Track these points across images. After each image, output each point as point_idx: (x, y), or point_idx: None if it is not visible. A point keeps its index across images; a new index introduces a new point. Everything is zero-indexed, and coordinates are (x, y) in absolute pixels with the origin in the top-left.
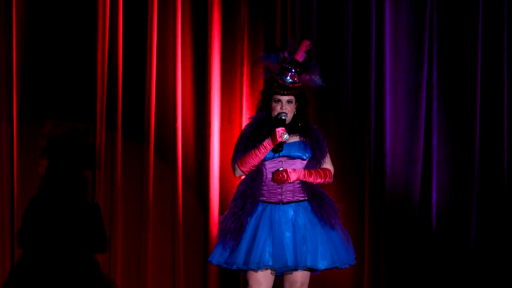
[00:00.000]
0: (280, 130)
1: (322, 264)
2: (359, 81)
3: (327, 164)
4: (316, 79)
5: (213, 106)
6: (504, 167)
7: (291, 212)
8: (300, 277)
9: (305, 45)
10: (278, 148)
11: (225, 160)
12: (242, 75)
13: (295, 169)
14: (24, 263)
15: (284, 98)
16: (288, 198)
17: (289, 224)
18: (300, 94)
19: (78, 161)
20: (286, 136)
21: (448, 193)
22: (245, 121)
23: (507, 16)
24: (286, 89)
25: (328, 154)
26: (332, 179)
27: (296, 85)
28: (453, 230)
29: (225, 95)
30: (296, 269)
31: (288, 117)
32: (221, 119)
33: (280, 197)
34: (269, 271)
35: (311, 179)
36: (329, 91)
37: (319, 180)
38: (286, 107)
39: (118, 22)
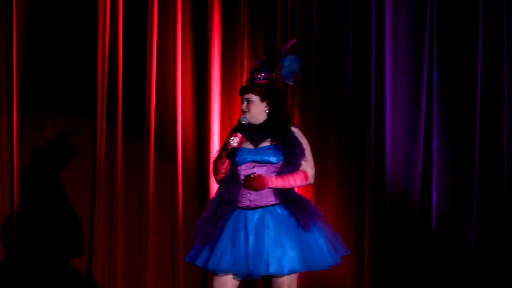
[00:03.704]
0: (233, 136)
1: (288, 269)
2: (359, 84)
3: (305, 166)
4: (283, 73)
5: (213, 108)
6: (504, 170)
7: (256, 218)
8: (286, 280)
9: (290, 43)
10: (230, 154)
11: None
12: (242, 77)
13: (265, 176)
14: (18, 261)
15: (244, 97)
16: (256, 203)
17: (252, 230)
18: (266, 92)
19: (77, 161)
20: (234, 142)
21: (448, 195)
22: None
23: (507, 18)
24: (243, 88)
25: (306, 156)
26: (309, 181)
27: (257, 82)
28: (453, 233)
29: (225, 97)
30: (263, 276)
31: (255, 118)
32: (221, 121)
33: (249, 202)
34: (230, 276)
35: (279, 185)
36: (329, 94)
37: (288, 186)
38: (247, 106)
39: (118, 23)
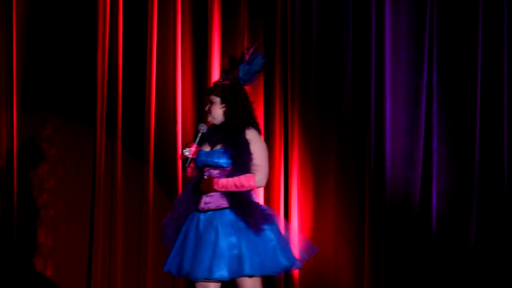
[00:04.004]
0: (188, 146)
1: (222, 275)
2: (359, 84)
3: (255, 169)
4: (241, 75)
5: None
6: (504, 170)
7: (204, 221)
8: (249, 284)
9: (256, 44)
10: (184, 164)
11: None
12: None
13: (211, 179)
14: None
15: (208, 98)
16: (209, 205)
17: (199, 232)
18: (224, 92)
19: (77, 165)
20: (186, 152)
21: (448, 196)
22: None
23: (507, 19)
24: (207, 89)
25: (257, 159)
26: (256, 184)
27: (219, 83)
28: (453, 233)
29: None
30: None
31: (217, 120)
32: None
33: (204, 204)
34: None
35: (224, 188)
36: (328, 94)
37: (235, 189)
38: (209, 108)
39: (118, 23)
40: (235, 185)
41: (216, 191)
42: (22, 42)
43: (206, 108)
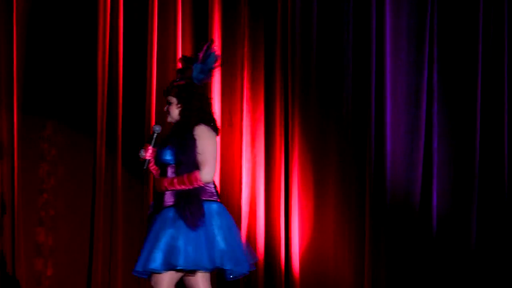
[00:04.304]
0: (144, 148)
1: (163, 266)
2: (359, 84)
3: (201, 165)
4: (194, 74)
5: (214, 109)
6: (505, 170)
7: (159, 217)
8: (200, 277)
9: (207, 44)
10: (143, 166)
11: (226, 164)
12: (242, 78)
13: (162, 178)
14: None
15: (165, 100)
16: (166, 203)
17: (153, 230)
18: (180, 92)
19: (78, 165)
20: (141, 154)
21: (448, 196)
22: (245, 124)
23: (508, 19)
24: (165, 90)
25: (203, 155)
26: (203, 180)
27: (175, 83)
28: (454, 233)
29: (225, 98)
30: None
31: (175, 120)
32: (222, 122)
33: (164, 202)
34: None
35: (171, 187)
36: (329, 94)
37: (179, 187)
38: (167, 109)
39: (118, 23)
40: (182, 183)
41: (167, 189)
42: (22, 43)
43: (165, 109)
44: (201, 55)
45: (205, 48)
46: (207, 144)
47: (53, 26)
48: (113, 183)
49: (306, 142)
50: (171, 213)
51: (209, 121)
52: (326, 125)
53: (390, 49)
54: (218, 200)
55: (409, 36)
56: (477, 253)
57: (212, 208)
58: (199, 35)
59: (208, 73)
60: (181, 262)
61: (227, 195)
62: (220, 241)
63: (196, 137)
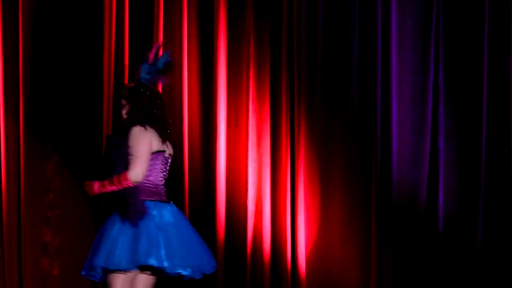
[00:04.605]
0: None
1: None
2: (365, 84)
3: (131, 165)
4: (142, 75)
5: (220, 109)
6: (511, 169)
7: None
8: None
9: (156, 46)
10: None
11: (232, 163)
12: (248, 78)
13: (92, 183)
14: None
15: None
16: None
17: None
18: (129, 95)
19: (84, 166)
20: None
21: (454, 195)
22: (251, 124)
23: None
24: (117, 94)
25: (132, 154)
26: (131, 179)
27: (126, 86)
28: (460, 232)
29: (231, 98)
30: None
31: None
32: (228, 122)
33: None
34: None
35: (104, 190)
36: (335, 94)
37: (110, 189)
38: (121, 112)
39: (124, 25)
40: (112, 183)
41: (100, 191)
42: (28, 42)
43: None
44: (150, 56)
45: (155, 49)
46: (137, 144)
47: (58, 27)
48: None
49: (312, 142)
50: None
51: (155, 123)
52: (332, 124)
53: (395, 48)
54: (163, 200)
55: (415, 35)
56: (483, 253)
57: (149, 207)
58: (205, 35)
59: (157, 74)
60: (99, 262)
61: (233, 194)
62: (151, 241)
63: (130, 137)
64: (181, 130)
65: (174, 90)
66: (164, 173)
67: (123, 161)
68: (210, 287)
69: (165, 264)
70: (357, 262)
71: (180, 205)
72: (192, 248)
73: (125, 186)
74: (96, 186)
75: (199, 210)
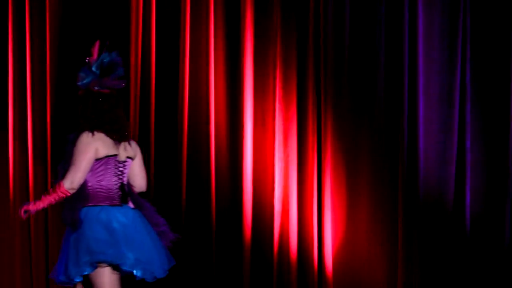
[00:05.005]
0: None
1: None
2: (392, 83)
3: (67, 173)
4: (80, 77)
5: (246, 108)
6: None
7: None
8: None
9: (95, 46)
10: None
11: (258, 163)
12: (274, 78)
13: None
14: None
15: None
16: None
17: None
18: (78, 101)
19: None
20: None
21: (482, 195)
22: (278, 123)
23: None
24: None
25: (71, 162)
26: (65, 187)
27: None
28: (487, 232)
29: (258, 97)
30: None
31: None
32: (254, 121)
33: None
34: None
35: (41, 204)
36: (361, 93)
37: (53, 200)
38: None
39: (151, 25)
40: (47, 193)
41: (35, 210)
42: (55, 43)
43: None
44: (91, 60)
45: (95, 52)
46: (76, 150)
47: (86, 27)
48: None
49: (338, 141)
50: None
51: (103, 127)
52: (359, 124)
53: (422, 47)
54: (115, 204)
55: (442, 34)
56: (510, 253)
57: (94, 212)
58: (231, 34)
59: (100, 77)
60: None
61: (260, 194)
62: (97, 241)
63: (76, 144)
64: (207, 130)
65: (201, 90)
66: (119, 177)
67: (66, 168)
68: (237, 286)
69: (112, 258)
70: (384, 262)
71: (206, 204)
72: (142, 250)
73: (62, 194)
74: (30, 206)
75: (226, 210)
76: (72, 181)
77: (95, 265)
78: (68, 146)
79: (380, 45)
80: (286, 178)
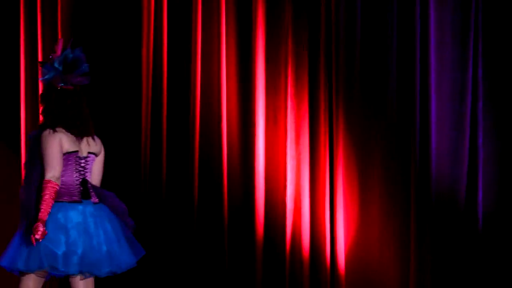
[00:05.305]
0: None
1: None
2: (404, 81)
3: (45, 169)
4: (42, 75)
5: (258, 107)
6: None
7: None
8: None
9: (59, 45)
10: None
11: (270, 161)
12: (286, 75)
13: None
14: None
15: None
16: None
17: None
18: (43, 96)
19: (123, 164)
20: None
21: (494, 192)
22: (290, 121)
23: None
24: None
25: (43, 157)
26: (49, 184)
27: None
28: (500, 229)
29: (269, 95)
30: None
31: None
32: (266, 119)
33: None
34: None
35: (45, 213)
36: (373, 91)
37: (49, 197)
38: None
39: (162, 23)
40: (45, 198)
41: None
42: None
43: None
44: (54, 56)
45: (58, 49)
46: (44, 148)
47: (97, 27)
48: (160, 178)
49: (350, 139)
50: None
51: (64, 123)
52: (371, 121)
53: (434, 45)
54: (74, 200)
55: (454, 32)
56: None
57: (53, 209)
58: (243, 32)
59: (63, 74)
60: (4, 263)
61: (272, 192)
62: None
63: (40, 141)
64: (219, 128)
65: (212, 88)
66: (81, 172)
67: (36, 166)
68: (249, 285)
69: (60, 267)
70: (396, 260)
71: (219, 202)
72: (97, 248)
73: (51, 189)
74: (39, 225)
75: (238, 208)
76: (52, 174)
77: (41, 269)
78: (31, 144)
79: (392, 43)
80: (298, 176)
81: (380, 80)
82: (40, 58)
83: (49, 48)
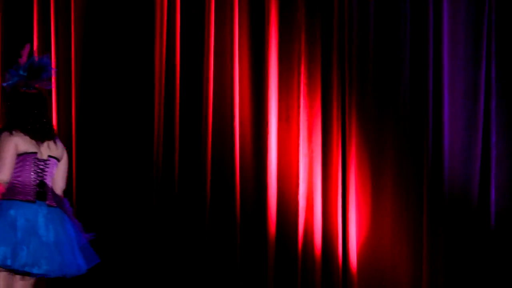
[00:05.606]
0: None
1: None
2: (417, 80)
3: None
4: (6, 79)
5: (271, 105)
6: None
7: None
8: None
9: (25, 50)
10: None
11: (283, 159)
12: (299, 74)
13: None
14: None
15: None
16: None
17: None
18: (7, 99)
19: (136, 162)
20: None
21: (507, 191)
22: (302, 119)
23: None
24: None
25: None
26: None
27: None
28: None
29: (282, 94)
30: None
31: None
32: (279, 118)
33: None
34: None
35: None
36: (386, 89)
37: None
38: None
39: (175, 22)
40: None
41: None
42: (79, 41)
43: None
44: (21, 61)
45: (24, 54)
46: (1, 149)
47: (110, 27)
48: (172, 179)
49: (363, 137)
50: None
51: (22, 126)
52: (383, 119)
53: (447, 43)
54: (28, 199)
55: (467, 30)
56: None
57: (5, 206)
58: (256, 30)
59: (27, 79)
60: None
61: (284, 189)
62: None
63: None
64: (232, 126)
65: (225, 86)
66: (39, 174)
67: None
68: (262, 282)
69: (8, 262)
70: (409, 258)
71: (231, 200)
72: (46, 248)
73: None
74: None
75: (250, 206)
76: (4, 174)
77: None
78: None
79: (405, 41)
80: (311, 174)
81: (393, 78)
82: (53, 61)
83: (62, 47)
